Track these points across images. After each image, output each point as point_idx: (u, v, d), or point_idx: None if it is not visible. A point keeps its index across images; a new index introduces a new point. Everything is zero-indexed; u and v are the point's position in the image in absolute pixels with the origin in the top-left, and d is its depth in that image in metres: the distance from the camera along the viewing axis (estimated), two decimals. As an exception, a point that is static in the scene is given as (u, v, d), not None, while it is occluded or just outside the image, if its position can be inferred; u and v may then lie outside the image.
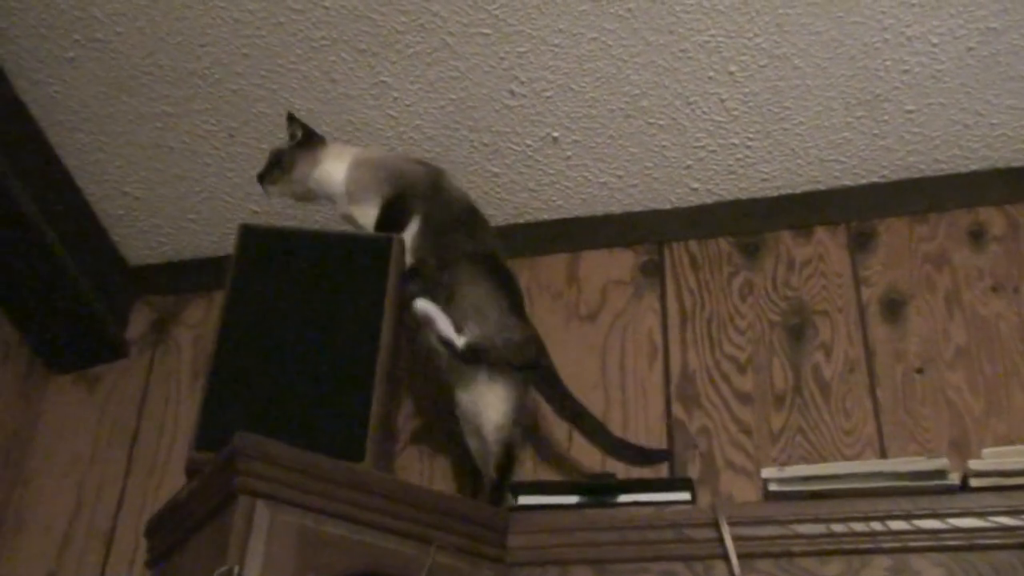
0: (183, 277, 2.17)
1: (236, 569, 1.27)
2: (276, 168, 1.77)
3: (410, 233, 1.70)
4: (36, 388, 2.11)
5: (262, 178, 1.78)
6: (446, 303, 1.62)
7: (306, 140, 1.78)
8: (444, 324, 1.59)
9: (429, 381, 1.88)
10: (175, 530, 1.48)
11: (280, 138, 1.93)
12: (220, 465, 1.38)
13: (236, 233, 1.76)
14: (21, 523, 1.98)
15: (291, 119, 1.79)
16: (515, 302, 1.66)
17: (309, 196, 1.80)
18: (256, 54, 1.84)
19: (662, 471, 1.74)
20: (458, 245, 1.69)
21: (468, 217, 1.75)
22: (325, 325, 1.62)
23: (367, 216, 1.74)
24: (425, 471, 1.86)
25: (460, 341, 1.58)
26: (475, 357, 1.59)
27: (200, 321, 2.13)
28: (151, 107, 1.92)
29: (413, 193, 1.74)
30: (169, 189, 2.05)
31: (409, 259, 1.68)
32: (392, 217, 1.72)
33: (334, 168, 1.77)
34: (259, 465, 1.35)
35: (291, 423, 1.52)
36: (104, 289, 2.10)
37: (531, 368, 1.63)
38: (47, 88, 1.90)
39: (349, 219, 1.77)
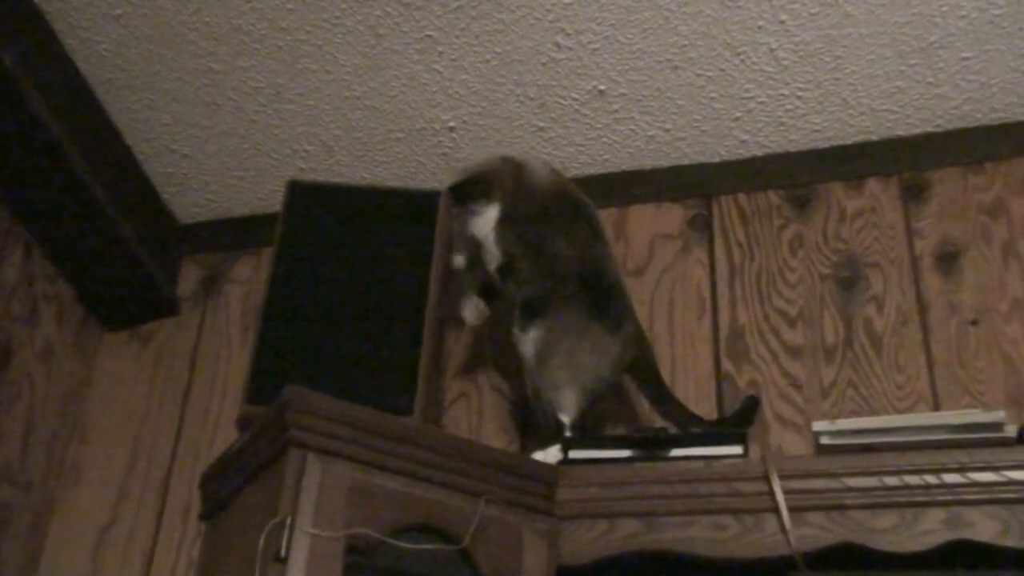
0: (232, 234, 2.18)
1: (289, 520, 1.29)
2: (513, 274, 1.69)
3: (491, 223, 1.69)
4: (90, 345, 2.14)
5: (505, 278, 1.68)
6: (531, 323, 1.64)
7: None
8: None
9: (478, 335, 1.89)
10: (228, 482, 1.50)
11: (326, 94, 1.94)
12: (271, 418, 1.40)
13: (284, 189, 1.77)
14: (78, 476, 2.02)
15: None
16: (610, 316, 1.66)
17: None
18: (302, 9, 1.83)
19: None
20: (554, 245, 1.68)
21: (558, 207, 1.73)
22: (373, 279, 1.63)
23: None
24: (473, 425, 1.86)
25: (567, 419, 1.60)
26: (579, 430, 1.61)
27: (249, 277, 2.14)
28: (198, 64, 1.93)
29: (493, 183, 1.72)
30: (217, 146, 2.06)
31: (496, 251, 1.67)
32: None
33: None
34: (309, 418, 1.36)
35: (340, 377, 1.54)
36: (154, 247, 2.12)
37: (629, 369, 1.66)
38: (96, 46, 1.91)
39: None
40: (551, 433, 1.59)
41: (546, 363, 1.62)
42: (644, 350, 1.68)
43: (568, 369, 1.61)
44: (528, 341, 1.64)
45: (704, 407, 1.78)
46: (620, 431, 1.76)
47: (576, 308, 1.64)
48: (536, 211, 1.71)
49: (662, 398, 1.66)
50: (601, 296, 1.66)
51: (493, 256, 1.68)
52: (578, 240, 1.70)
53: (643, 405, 1.77)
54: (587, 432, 1.63)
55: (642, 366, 1.67)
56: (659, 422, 1.65)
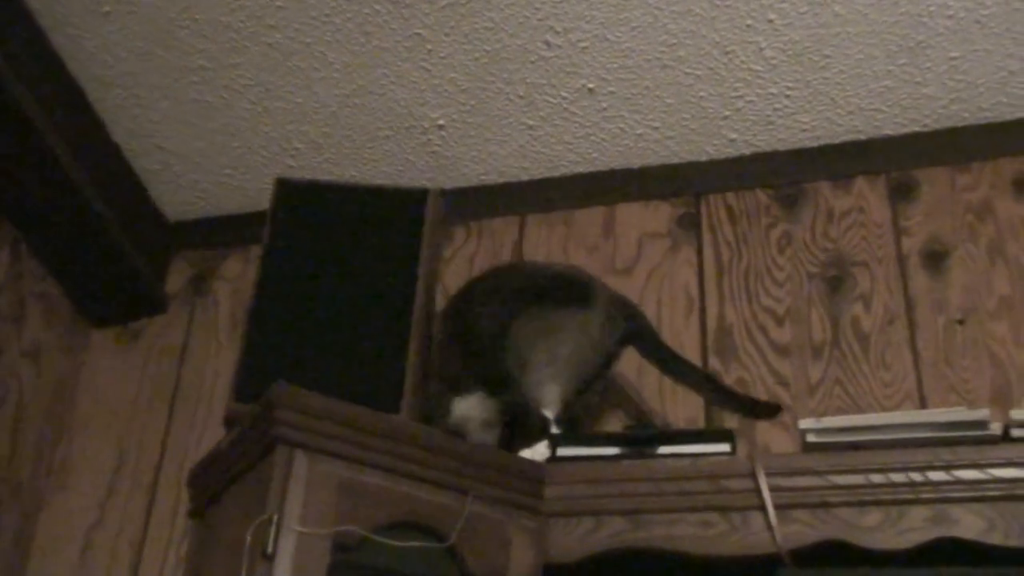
0: (221, 232, 2.18)
1: (276, 517, 1.29)
2: None
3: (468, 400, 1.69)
4: (79, 343, 2.13)
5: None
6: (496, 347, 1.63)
7: None
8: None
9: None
10: (216, 480, 1.50)
11: (315, 92, 1.94)
12: (259, 416, 1.40)
13: (272, 187, 1.77)
14: (66, 475, 2.01)
15: None
16: (573, 296, 1.65)
17: None
18: (291, 6, 1.83)
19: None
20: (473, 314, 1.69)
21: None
22: (361, 277, 1.63)
23: None
24: (462, 423, 1.87)
25: (551, 414, 1.59)
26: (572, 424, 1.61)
27: (238, 275, 2.14)
28: (187, 61, 1.92)
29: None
30: (206, 144, 2.06)
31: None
32: None
33: None
34: (297, 416, 1.36)
35: (328, 374, 1.54)
36: (143, 244, 2.11)
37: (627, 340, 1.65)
38: (83, 43, 1.91)
39: None
40: (538, 430, 1.60)
41: (528, 365, 1.61)
42: (636, 318, 1.67)
43: (550, 365, 1.60)
44: (510, 356, 1.63)
45: (691, 405, 1.78)
46: (610, 427, 1.76)
47: (538, 312, 1.63)
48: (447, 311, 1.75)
49: (671, 362, 1.65)
50: (554, 287, 1.66)
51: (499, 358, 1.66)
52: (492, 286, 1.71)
53: (635, 401, 1.77)
54: (576, 427, 1.63)
55: (641, 335, 1.66)
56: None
